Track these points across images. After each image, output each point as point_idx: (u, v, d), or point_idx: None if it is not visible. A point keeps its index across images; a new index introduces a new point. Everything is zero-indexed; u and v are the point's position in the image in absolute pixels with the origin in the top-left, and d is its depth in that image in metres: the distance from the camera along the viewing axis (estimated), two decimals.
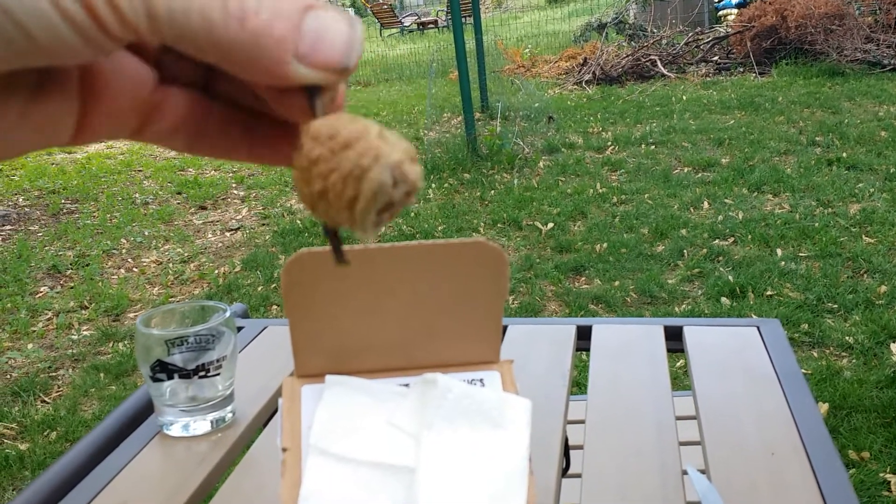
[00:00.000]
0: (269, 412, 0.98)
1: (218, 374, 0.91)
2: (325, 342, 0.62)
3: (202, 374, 0.90)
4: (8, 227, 5.71)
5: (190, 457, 0.89)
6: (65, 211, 6.05)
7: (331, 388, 0.60)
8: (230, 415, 0.94)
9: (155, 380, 0.90)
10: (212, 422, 0.93)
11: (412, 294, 0.54)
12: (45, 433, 2.94)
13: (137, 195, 6.32)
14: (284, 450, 0.60)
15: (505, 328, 1.09)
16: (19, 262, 4.84)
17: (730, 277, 3.56)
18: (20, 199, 6.51)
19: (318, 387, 0.62)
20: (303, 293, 0.60)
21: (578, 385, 2.41)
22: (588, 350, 1.06)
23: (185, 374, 0.90)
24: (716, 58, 9.48)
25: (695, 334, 1.08)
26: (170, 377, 0.90)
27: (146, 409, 0.98)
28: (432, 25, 20.87)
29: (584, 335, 1.09)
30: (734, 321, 1.10)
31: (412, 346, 0.56)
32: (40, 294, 4.39)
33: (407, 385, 0.56)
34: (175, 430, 0.93)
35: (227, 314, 0.92)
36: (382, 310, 0.55)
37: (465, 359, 0.62)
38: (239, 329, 1.19)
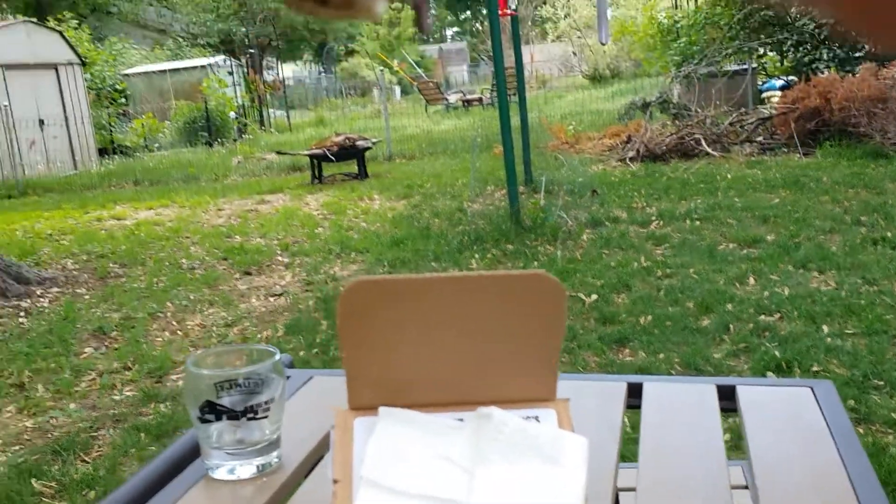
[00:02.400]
0: (315, 458, 0.97)
1: (266, 418, 0.90)
2: (379, 374, 0.61)
3: (250, 416, 0.89)
4: (55, 289, 5.82)
5: (235, 501, 0.88)
6: (112, 275, 6.17)
7: (384, 421, 0.59)
8: (276, 460, 0.93)
9: (203, 421, 0.90)
10: (258, 466, 0.92)
11: (467, 326, 0.53)
12: (84, 493, 2.93)
13: (184, 260, 6.43)
14: (335, 481, 0.59)
15: None
16: (65, 324, 4.91)
17: (776, 352, 3.49)
18: (69, 263, 6.65)
19: (370, 419, 0.61)
20: (358, 323, 0.60)
21: (629, 444, 2.34)
22: (639, 408, 1.03)
23: (234, 416, 0.89)
24: (760, 138, 9.49)
25: (748, 394, 1.05)
26: (218, 419, 0.89)
27: (192, 453, 0.98)
28: (477, 102, 21.23)
29: (634, 393, 1.07)
30: (787, 381, 1.07)
31: (466, 380, 0.55)
32: (84, 355, 4.44)
33: (461, 419, 0.55)
34: (221, 474, 0.92)
35: (277, 357, 0.92)
36: (437, 342, 0.54)
37: (521, 395, 0.61)
38: (286, 378, 1.18)
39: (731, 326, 3.88)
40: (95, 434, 3.44)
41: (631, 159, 9.33)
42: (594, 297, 4.50)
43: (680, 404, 1.04)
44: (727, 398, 1.05)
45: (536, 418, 0.62)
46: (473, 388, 0.58)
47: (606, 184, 7.88)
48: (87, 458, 3.23)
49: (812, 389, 1.05)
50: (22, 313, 5.25)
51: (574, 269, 5.06)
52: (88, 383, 4.03)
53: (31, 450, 3.32)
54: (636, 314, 4.17)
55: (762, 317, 3.97)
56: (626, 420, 1.02)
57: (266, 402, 0.89)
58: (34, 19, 16.76)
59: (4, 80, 13.57)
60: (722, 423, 1.03)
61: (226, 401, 0.89)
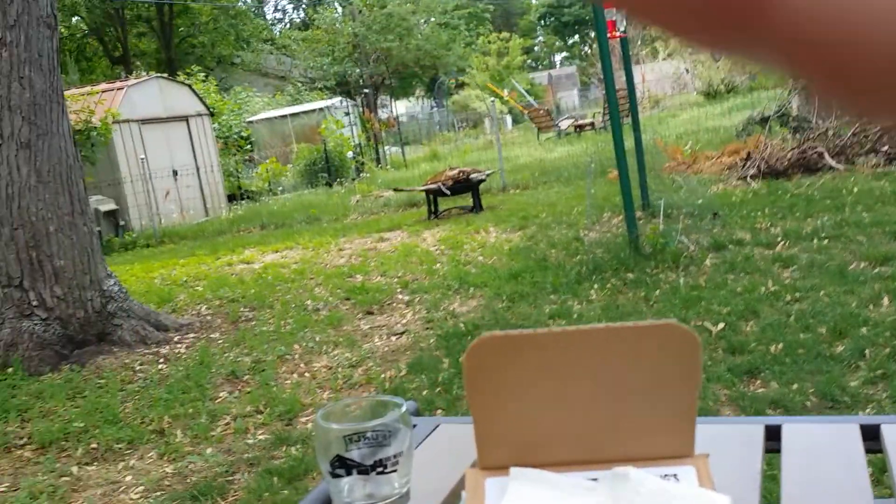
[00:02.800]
0: None
1: (395, 471, 0.91)
2: (509, 432, 0.60)
3: (379, 470, 0.91)
4: (192, 335, 6.09)
5: None
6: (243, 318, 6.40)
7: (515, 482, 0.58)
8: None
9: (334, 475, 0.92)
10: None
11: (598, 380, 0.52)
12: None
13: (309, 302, 6.61)
14: None
15: None
16: (201, 369, 5.12)
17: None
18: (203, 309, 6.95)
19: (502, 479, 0.61)
20: (486, 379, 0.60)
21: (768, 484, 2.24)
22: (778, 451, 0.99)
23: (363, 470, 0.91)
24: (885, 147, 9.00)
25: (895, 434, 0.99)
26: (348, 473, 0.91)
27: None
28: (589, 127, 21.07)
29: (773, 436, 1.03)
30: None
31: (599, 437, 0.54)
32: (219, 399, 4.61)
33: (595, 479, 0.54)
34: None
35: (403, 409, 0.93)
36: (567, 397, 0.54)
37: (657, 452, 0.60)
38: (412, 426, 1.19)
39: (867, 352, 3.67)
40: (231, 479, 3.55)
41: (752, 177, 9.03)
42: (721, 325, 4.36)
43: (822, 447, 0.99)
44: (871, 438, 1.00)
45: (675, 476, 0.60)
46: (607, 446, 0.56)
47: (727, 204, 7.65)
48: (223, 503, 3.34)
49: None
50: (161, 360, 5.51)
51: (698, 297, 4.92)
52: (223, 427, 4.18)
53: (172, 495, 3.46)
54: (766, 342, 4.01)
55: None
56: (765, 466, 0.98)
57: (394, 456, 0.90)
58: (165, 75, 17.75)
59: (141, 134, 14.39)
60: (867, 462, 0.97)
61: (355, 454, 0.91)
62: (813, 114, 10.94)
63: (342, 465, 0.91)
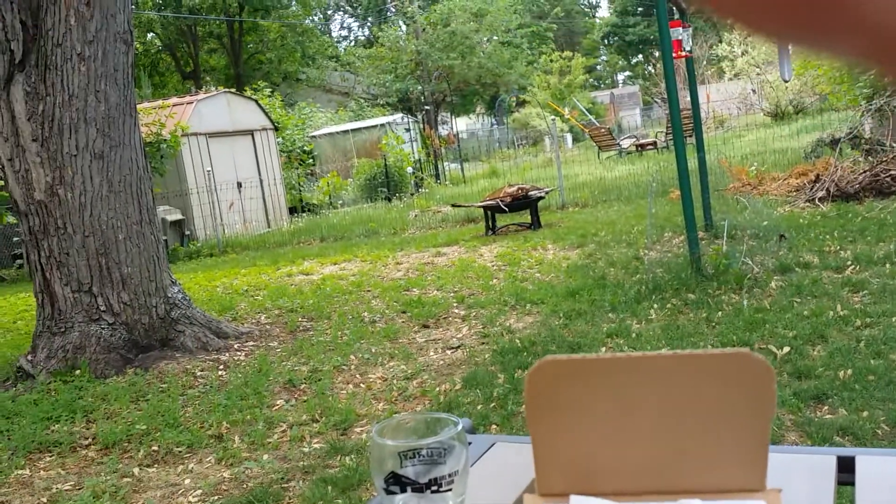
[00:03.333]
0: None
1: (450, 490, 0.89)
2: (569, 458, 0.58)
3: (434, 488, 0.88)
4: (251, 343, 6.16)
5: None
6: (301, 328, 6.46)
7: None
8: None
9: (389, 492, 0.90)
10: None
11: (664, 409, 0.50)
12: None
13: (366, 314, 6.64)
14: None
15: None
16: (259, 376, 5.17)
17: None
18: (262, 317, 7.03)
19: None
20: (546, 404, 0.57)
21: None
22: (852, 484, 0.94)
23: (418, 488, 0.89)
24: None
25: None
26: (402, 490, 0.89)
27: None
28: (651, 146, 20.85)
29: (845, 467, 0.98)
30: None
31: (664, 468, 0.51)
32: (276, 407, 4.65)
33: None
34: None
35: (459, 427, 0.90)
36: (631, 425, 0.51)
37: (726, 485, 0.57)
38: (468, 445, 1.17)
39: None
40: (286, 486, 3.57)
41: (820, 200, 8.80)
42: (786, 349, 4.23)
43: None
44: None
45: None
46: (672, 477, 0.53)
47: (794, 227, 7.46)
48: None
49: None
50: (221, 366, 5.58)
51: (762, 320, 4.79)
52: (280, 435, 4.21)
53: (228, 500, 3.49)
54: (834, 368, 3.88)
55: None
56: (837, 500, 0.93)
57: (450, 475, 0.88)
58: (233, 90, 18.14)
59: (208, 146, 14.72)
60: None
61: (409, 471, 0.89)
62: (887, 136, 10.64)
63: (397, 482, 0.89)
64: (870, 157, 9.95)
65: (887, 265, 5.62)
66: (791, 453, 1.02)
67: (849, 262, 5.86)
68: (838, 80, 14.64)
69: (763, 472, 0.55)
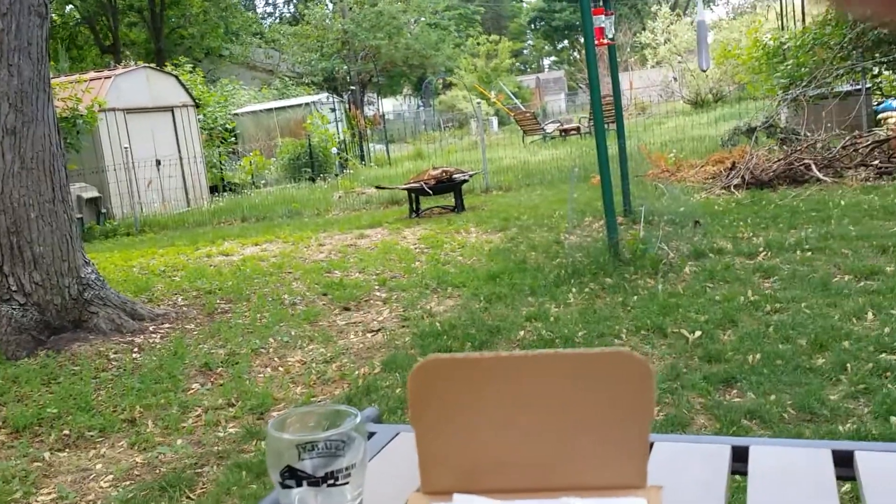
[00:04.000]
0: None
1: (347, 483, 0.87)
2: (454, 457, 0.57)
3: (331, 482, 0.87)
4: (167, 325, 6.03)
5: None
6: (219, 310, 6.34)
7: None
8: None
9: (284, 486, 0.88)
10: None
11: (547, 407, 0.49)
12: None
13: (286, 296, 6.56)
14: None
15: (650, 445, 1.01)
16: (175, 360, 5.07)
17: None
18: (179, 299, 6.88)
19: None
20: (430, 403, 0.57)
21: None
22: (745, 474, 0.96)
23: (314, 482, 0.87)
24: (876, 161, 9.04)
25: (869, 461, 0.96)
26: (298, 484, 0.87)
27: None
28: (574, 132, 21.11)
29: (740, 457, 0.99)
30: None
31: (547, 465, 0.51)
32: (192, 391, 4.56)
33: None
34: None
35: (358, 419, 0.89)
36: (516, 423, 0.50)
37: (607, 482, 0.57)
38: (371, 434, 1.16)
39: (849, 366, 3.66)
40: (200, 471, 3.51)
41: (736, 187, 9.05)
42: (698, 333, 4.35)
43: (792, 471, 0.96)
44: (844, 465, 0.97)
45: None
46: (554, 474, 0.53)
47: (710, 213, 7.66)
48: (192, 496, 3.30)
49: None
50: (135, 349, 5.45)
51: (676, 304, 4.91)
52: (194, 419, 4.13)
53: (141, 485, 3.42)
54: (744, 352, 3.99)
55: (883, 355, 3.74)
56: (729, 490, 0.95)
57: (347, 469, 0.86)
58: (153, 65, 17.64)
59: (126, 123, 14.30)
60: (838, 490, 0.94)
61: (307, 464, 0.87)
62: (802, 126, 10.99)
63: (292, 476, 0.87)
64: (784, 146, 10.27)
65: (798, 252, 5.81)
66: (685, 442, 1.04)
67: (761, 249, 6.04)
68: (756, 69, 15.04)
69: (643, 470, 0.55)
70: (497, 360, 0.52)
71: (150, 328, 5.93)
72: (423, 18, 32.01)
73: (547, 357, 0.50)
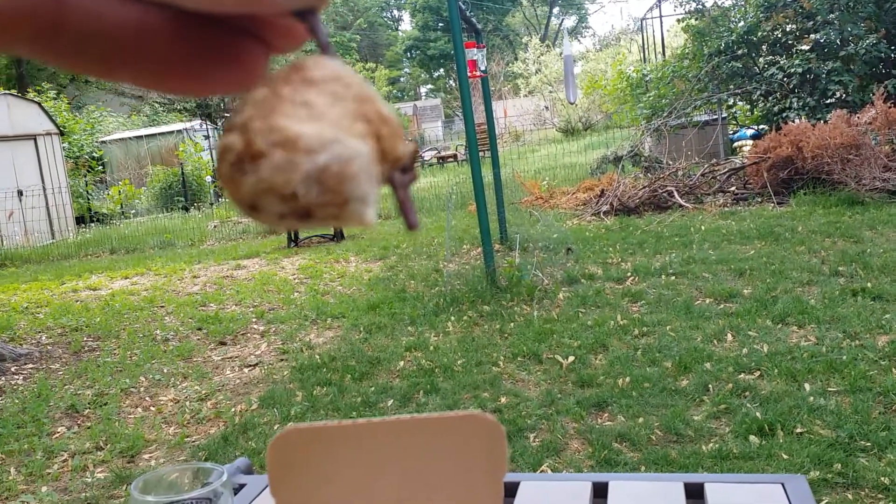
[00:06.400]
0: None
1: None
2: None
3: None
4: (30, 365, 5.72)
5: None
6: (86, 349, 6.07)
7: None
8: None
9: None
10: None
11: (405, 472, 0.51)
12: None
13: (158, 331, 6.35)
14: None
15: (517, 485, 1.04)
16: (38, 402, 4.81)
17: (757, 414, 3.45)
18: (43, 337, 6.55)
19: None
20: (290, 473, 0.57)
21: None
22: None
23: None
24: (733, 188, 9.59)
25: (717, 492, 1.02)
26: None
27: None
28: (451, 159, 21.41)
29: (600, 493, 1.04)
30: (758, 477, 1.04)
31: None
32: (57, 434, 4.34)
33: None
34: None
35: (224, 477, 0.88)
36: (373, 490, 0.52)
37: None
38: (241, 487, 1.15)
39: (711, 387, 3.85)
40: None
41: (605, 213, 9.39)
42: (571, 358, 4.47)
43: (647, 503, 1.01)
44: (695, 496, 1.03)
45: None
46: None
47: (581, 239, 7.91)
48: None
49: (783, 486, 1.02)
50: None
51: (551, 330, 5.04)
52: (60, 465, 3.93)
53: None
54: (614, 376, 4.14)
55: (742, 375, 3.95)
56: None
57: None
58: (14, 91, 16.81)
59: None
60: None
61: None
62: (664, 153, 11.53)
63: None
64: (649, 174, 10.74)
65: (662, 276, 6.07)
66: (548, 480, 1.08)
67: (629, 274, 6.28)
68: (621, 100, 15.70)
69: None
70: (354, 427, 0.53)
71: (12, 369, 5.62)
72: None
73: (403, 423, 0.52)
